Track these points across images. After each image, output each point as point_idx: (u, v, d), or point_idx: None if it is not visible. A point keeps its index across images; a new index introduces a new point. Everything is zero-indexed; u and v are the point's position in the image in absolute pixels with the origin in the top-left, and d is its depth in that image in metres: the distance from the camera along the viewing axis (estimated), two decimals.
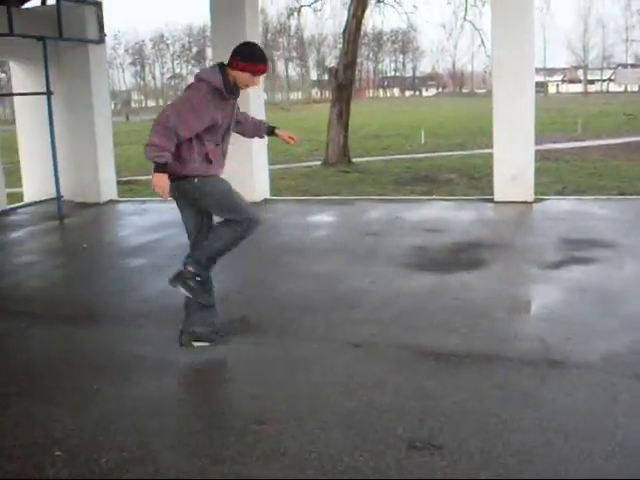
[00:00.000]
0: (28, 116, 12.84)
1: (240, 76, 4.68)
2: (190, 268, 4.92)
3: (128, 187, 15.88)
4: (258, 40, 12.29)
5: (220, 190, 4.83)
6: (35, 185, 12.99)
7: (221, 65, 4.72)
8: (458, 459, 3.44)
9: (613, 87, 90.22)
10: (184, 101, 4.66)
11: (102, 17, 12.58)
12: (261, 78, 4.87)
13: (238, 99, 4.95)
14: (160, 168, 4.54)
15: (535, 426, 3.73)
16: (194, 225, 5.02)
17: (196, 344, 5.03)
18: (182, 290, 4.95)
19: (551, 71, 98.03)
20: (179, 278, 4.96)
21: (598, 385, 4.22)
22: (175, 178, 4.68)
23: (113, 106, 74.07)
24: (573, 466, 3.34)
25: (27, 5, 13.58)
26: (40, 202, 11.88)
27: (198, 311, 5.03)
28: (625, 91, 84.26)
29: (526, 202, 10.36)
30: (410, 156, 20.84)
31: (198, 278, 4.94)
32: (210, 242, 4.91)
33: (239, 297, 6.37)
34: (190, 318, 5.07)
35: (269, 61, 4.77)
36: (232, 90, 4.73)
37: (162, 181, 4.57)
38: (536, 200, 10.50)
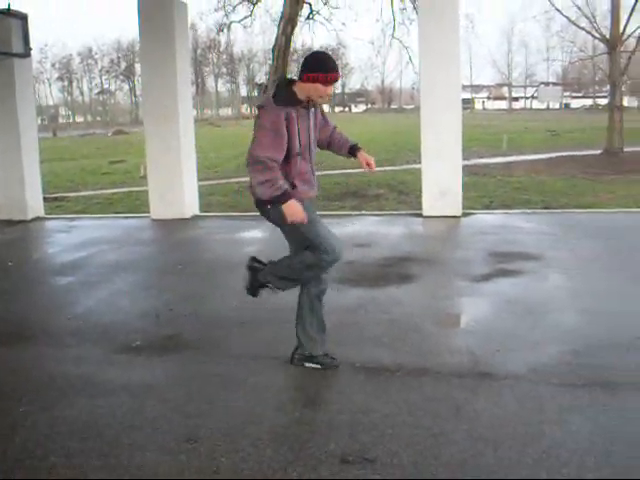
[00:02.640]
0: None
1: (311, 88, 4.38)
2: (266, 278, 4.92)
3: (56, 204, 15.59)
4: (187, 56, 12.25)
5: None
6: None
7: (288, 81, 4.51)
8: (391, 472, 3.47)
9: (536, 104, 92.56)
10: (258, 129, 4.42)
11: (27, 30, 12.34)
12: (331, 89, 4.45)
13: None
14: (283, 198, 4.34)
15: (466, 437, 3.79)
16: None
17: (307, 364, 4.87)
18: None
19: (477, 88, 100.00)
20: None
21: (526, 395, 4.31)
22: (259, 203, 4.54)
23: (40, 121, 72.71)
24: (502, 475, 3.40)
25: None
26: None
27: (316, 333, 4.86)
28: (547, 108, 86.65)
29: (454, 216, 10.54)
30: (339, 171, 20.93)
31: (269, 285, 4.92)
32: (290, 262, 4.79)
33: (170, 314, 6.31)
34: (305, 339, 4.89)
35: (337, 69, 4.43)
36: (293, 102, 4.42)
37: (292, 208, 4.36)
38: (464, 214, 10.69)
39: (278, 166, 4.39)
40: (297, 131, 4.45)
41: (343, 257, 4.75)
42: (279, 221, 4.56)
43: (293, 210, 4.38)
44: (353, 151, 4.95)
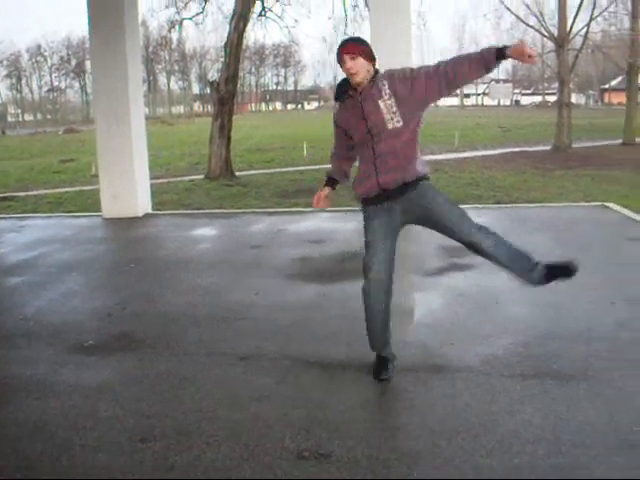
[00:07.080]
0: None
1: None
2: None
3: (6, 203, 15.34)
4: (138, 53, 12.14)
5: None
6: None
7: None
8: (346, 467, 3.48)
9: (487, 101, 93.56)
10: None
11: None
12: (350, 63, 4.12)
13: None
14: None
15: (420, 430, 3.82)
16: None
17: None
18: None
19: None
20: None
21: (479, 387, 4.36)
22: None
23: None
24: (457, 465, 3.44)
25: None
26: None
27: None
28: (498, 105, 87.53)
29: None
30: (293, 169, 20.95)
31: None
32: None
33: (123, 313, 6.26)
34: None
35: (348, 43, 4.22)
36: (343, 91, 4.34)
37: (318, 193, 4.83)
38: None
39: (336, 157, 4.81)
40: (350, 121, 4.40)
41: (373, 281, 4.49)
42: None
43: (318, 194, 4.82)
44: (502, 55, 4.13)
